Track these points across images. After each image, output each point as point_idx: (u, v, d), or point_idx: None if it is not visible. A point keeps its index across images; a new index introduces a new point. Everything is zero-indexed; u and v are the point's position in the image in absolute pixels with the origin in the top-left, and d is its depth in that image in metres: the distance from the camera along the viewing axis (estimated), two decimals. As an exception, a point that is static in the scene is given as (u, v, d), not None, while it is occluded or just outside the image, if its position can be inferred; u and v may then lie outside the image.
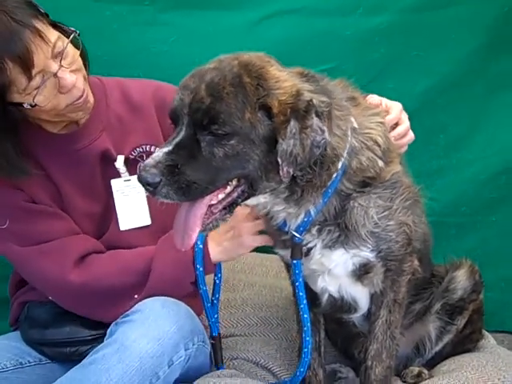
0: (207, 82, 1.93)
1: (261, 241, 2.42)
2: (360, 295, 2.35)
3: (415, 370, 2.57)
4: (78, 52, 2.34)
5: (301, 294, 2.29)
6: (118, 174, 2.52)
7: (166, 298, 2.35)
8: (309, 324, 2.33)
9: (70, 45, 2.30)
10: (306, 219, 2.13)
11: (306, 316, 2.32)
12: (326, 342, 2.60)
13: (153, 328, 2.22)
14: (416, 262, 2.33)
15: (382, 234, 2.17)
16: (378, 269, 2.24)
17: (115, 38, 3.07)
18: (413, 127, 2.42)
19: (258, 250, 2.55)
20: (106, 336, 2.28)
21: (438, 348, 2.61)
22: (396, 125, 2.34)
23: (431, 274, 2.60)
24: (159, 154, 1.90)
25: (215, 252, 2.44)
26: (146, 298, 2.36)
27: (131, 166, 2.53)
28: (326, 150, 1.99)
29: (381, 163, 2.14)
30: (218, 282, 2.52)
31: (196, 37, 3.11)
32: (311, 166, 1.98)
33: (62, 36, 2.30)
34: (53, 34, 2.26)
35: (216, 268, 2.49)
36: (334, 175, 2.06)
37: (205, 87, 1.92)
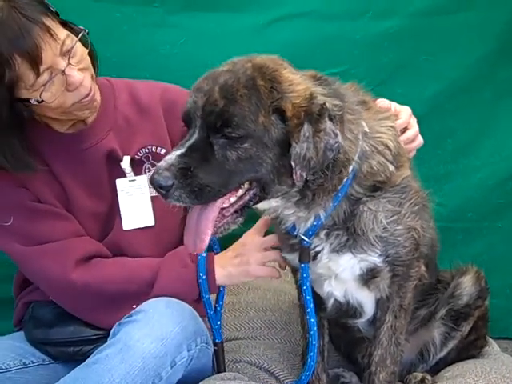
0: (221, 84, 1.92)
1: (269, 273, 2.46)
2: (366, 300, 2.34)
3: (419, 375, 2.57)
4: (87, 51, 2.35)
5: (308, 297, 2.28)
6: (123, 174, 2.52)
7: (169, 298, 2.35)
8: (315, 328, 2.32)
9: (78, 43, 2.31)
10: (315, 223, 2.13)
11: (312, 320, 2.31)
12: (330, 347, 2.59)
13: (156, 328, 2.22)
14: (423, 268, 2.33)
15: (390, 238, 2.16)
16: (384, 274, 2.24)
17: (124, 39, 3.06)
18: (421, 132, 2.42)
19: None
20: (110, 336, 2.27)
21: (442, 354, 2.60)
22: (405, 129, 2.34)
23: (437, 279, 2.59)
24: (172, 156, 1.90)
25: (219, 275, 2.45)
26: None
27: (137, 166, 2.54)
28: (338, 154, 1.99)
29: (391, 167, 2.13)
30: (222, 289, 2.52)
31: (205, 39, 3.10)
32: (323, 169, 1.98)
33: (71, 34, 2.31)
34: (62, 32, 2.27)
35: (219, 289, 2.50)
36: (345, 179, 2.06)
37: (218, 89, 1.91)
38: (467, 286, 2.57)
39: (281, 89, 1.93)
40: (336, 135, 1.94)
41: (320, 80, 2.03)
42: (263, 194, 1.99)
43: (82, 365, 2.23)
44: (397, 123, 2.26)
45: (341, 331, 2.61)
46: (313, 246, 2.19)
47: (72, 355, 2.47)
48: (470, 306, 2.56)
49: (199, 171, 1.89)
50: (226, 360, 2.59)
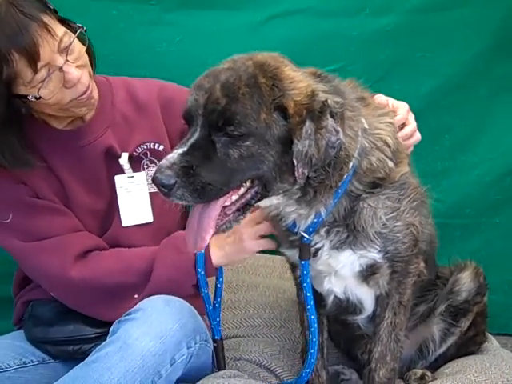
0: (222, 82, 1.92)
1: (263, 245, 2.43)
2: (365, 297, 2.34)
3: (418, 372, 2.57)
4: (85, 48, 2.35)
5: (308, 294, 2.28)
6: (121, 171, 2.52)
7: (168, 296, 2.34)
8: (316, 325, 2.32)
9: (76, 40, 2.31)
10: (316, 220, 2.12)
11: (313, 317, 2.31)
12: (329, 344, 2.59)
13: (155, 326, 2.21)
14: (422, 264, 2.33)
15: (389, 234, 2.16)
16: (384, 270, 2.24)
17: (121, 37, 3.07)
18: (418, 128, 2.42)
19: (261, 250, 2.54)
20: (109, 334, 2.27)
21: (441, 350, 2.61)
22: (403, 125, 2.34)
23: (436, 275, 2.59)
24: (174, 155, 1.89)
25: (217, 256, 2.44)
26: (146, 298, 2.35)
27: (135, 162, 2.54)
28: (340, 151, 1.98)
29: (391, 164, 2.14)
30: (219, 286, 2.51)
31: (201, 37, 3.11)
32: (325, 166, 1.98)
33: (69, 31, 2.31)
34: (60, 29, 2.27)
35: (217, 272, 2.49)
36: (345, 176, 2.06)
37: (220, 87, 1.91)
38: (466, 281, 2.57)
39: (282, 86, 1.92)
40: (337, 132, 1.94)
41: (320, 77, 2.02)
42: (265, 191, 1.99)
43: (81, 363, 2.22)
44: (395, 119, 2.26)
45: (340, 328, 2.61)
46: (313, 243, 2.19)
47: (71, 354, 2.47)
48: (469, 301, 2.57)
49: (201, 170, 1.88)
50: (226, 358, 2.59)
